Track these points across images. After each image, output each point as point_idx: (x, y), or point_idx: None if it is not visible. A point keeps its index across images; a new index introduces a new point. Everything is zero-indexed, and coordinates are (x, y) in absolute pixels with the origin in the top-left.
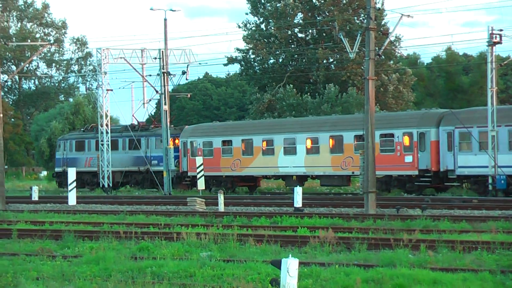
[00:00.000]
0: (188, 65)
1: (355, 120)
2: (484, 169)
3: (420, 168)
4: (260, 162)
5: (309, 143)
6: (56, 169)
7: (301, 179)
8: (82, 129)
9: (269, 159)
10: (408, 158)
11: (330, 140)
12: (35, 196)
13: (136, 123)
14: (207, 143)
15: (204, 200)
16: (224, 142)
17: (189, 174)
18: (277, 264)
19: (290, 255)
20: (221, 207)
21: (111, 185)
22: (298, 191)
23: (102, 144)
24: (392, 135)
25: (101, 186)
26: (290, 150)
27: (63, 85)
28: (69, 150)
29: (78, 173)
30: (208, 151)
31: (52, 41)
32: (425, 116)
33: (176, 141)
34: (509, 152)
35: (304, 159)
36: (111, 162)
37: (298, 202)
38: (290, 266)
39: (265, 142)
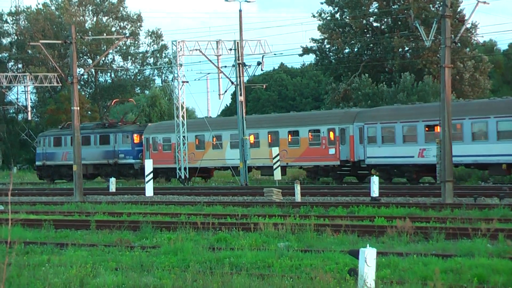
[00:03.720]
0: (263, 56)
1: (289, 118)
2: (386, 159)
3: (342, 159)
4: (210, 155)
5: (251, 138)
6: (37, 163)
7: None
8: (59, 126)
9: (218, 152)
10: (332, 151)
11: (269, 135)
12: (112, 188)
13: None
14: (166, 139)
15: (280, 190)
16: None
17: None
18: (355, 254)
19: (368, 245)
20: (298, 197)
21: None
22: (375, 180)
23: (179, 137)
24: (319, 131)
25: (177, 177)
26: (235, 144)
27: (138, 77)
28: (48, 146)
29: (55, 166)
30: (167, 146)
31: (127, 35)
32: (346, 115)
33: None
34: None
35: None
36: (85, 157)
37: (375, 191)
38: (368, 256)
39: (214, 137)
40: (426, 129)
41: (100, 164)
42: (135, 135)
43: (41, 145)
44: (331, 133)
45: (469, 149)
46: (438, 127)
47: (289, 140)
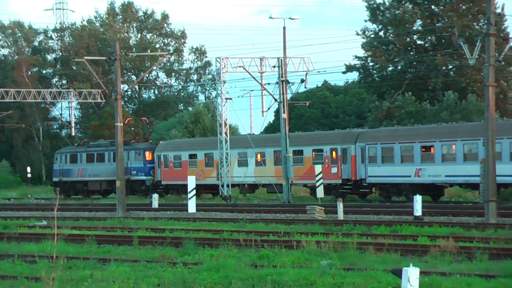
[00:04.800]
0: (306, 73)
1: (293, 138)
2: (385, 178)
3: (343, 178)
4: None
5: (258, 157)
6: (54, 179)
7: (252, 187)
8: (75, 144)
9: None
10: (334, 170)
11: (274, 154)
12: (155, 204)
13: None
14: (177, 157)
15: (323, 208)
16: (190, 156)
17: (162, 183)
18: (398, 273)
19: (411, 264)
20: (341, 215)
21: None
22: (418, 199)
23: (222, 154)
24: (322, 150)
25: (220, 194)
26: (243, 162)
27: (182, 94)
28: (64, 162)
29: (71, 182)
30: (178, 163)
31: (171, 51)
32: (347, 135)
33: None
34: None
35: (254, 170)
36: (99, 173)
37: (418, 210)
38: (411, 275)
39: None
40: (423, 149)
41: (113, 180)
42: (147, 153)
43: (58, 161)
44: (334, 153)
45: (462, 169)
46: (433, 148)
47: (294, 159)
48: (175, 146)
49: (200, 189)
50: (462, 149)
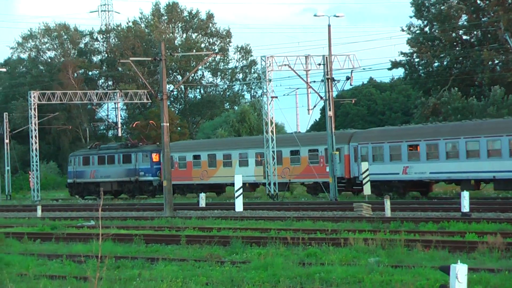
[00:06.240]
0: (352, 70)
1: (291, 138)
2: (376, 175)
3: (338, 176)
4: (221, 173)
5: (257, 157)
6: (68, 181)
7: (253, 186)
8: (88, 147)
9: (228, 170)
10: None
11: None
12: (202, 203)
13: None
14: (182, 157)
15: (370, 205)
16: (194, 157)
17: None
18: (446, 270)
19: (459, 261)
20: (388, 213)
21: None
22: (465, 195)
23: (268, 152)
24: (317, 150)
25: (267, 192)
26: (243, 162)
27: (228, 93)
28: (77, 165)
29: (85, 183)
30: (183, 163)
31: (216, 51)
32: (341, 136)
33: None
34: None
35: (254, 170)
36: (110, 174)
37: (465, 207)
38: (459, 272)
39: (225, 156)
40: (409, 148)
41: (123, 181)
42: (154, 154)
43: (72, 164)
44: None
45: (445, 167)
46: (418, 146)
47: (290, 158)
48: (180, 148)
49: (205, 188)
50: (444, 147)
